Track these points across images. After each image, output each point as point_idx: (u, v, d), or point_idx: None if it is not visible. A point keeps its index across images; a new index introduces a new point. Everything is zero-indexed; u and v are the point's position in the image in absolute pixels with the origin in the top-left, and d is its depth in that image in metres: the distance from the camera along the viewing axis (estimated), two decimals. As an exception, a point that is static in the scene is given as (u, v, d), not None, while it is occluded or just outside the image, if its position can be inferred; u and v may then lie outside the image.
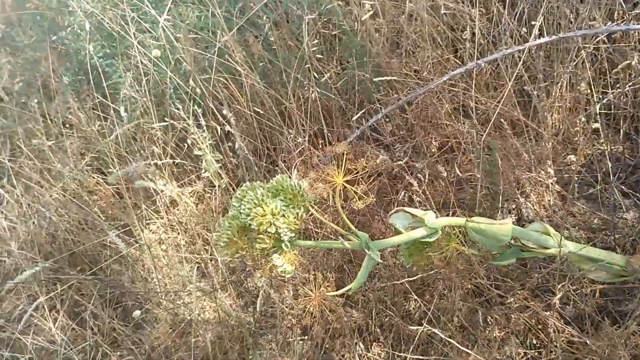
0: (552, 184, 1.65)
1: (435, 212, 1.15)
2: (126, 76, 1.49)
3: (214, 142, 1.55)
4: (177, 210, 1.56)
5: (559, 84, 1.74)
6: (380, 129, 1.71)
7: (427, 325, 1.18)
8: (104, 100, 1.56)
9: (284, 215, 0.95)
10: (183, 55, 1.50)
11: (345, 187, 0.96)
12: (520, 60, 1.54)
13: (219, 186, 1.51)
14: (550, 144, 1.62)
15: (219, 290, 1.36)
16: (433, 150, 1.70)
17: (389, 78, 1.49)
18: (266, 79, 1.63)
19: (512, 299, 1.21)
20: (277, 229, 0.94)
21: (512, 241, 1.12)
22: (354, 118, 1.34)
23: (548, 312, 1.09)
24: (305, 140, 1.37)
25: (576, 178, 1.67)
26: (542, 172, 1.67)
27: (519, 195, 1.66)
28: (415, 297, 1.16)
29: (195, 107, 1.41)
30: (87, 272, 1.53)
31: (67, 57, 1.86)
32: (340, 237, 1.02)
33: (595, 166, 1.72)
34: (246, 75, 1.55)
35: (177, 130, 1.55)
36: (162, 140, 1.53)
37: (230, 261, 0.91)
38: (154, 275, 1.47)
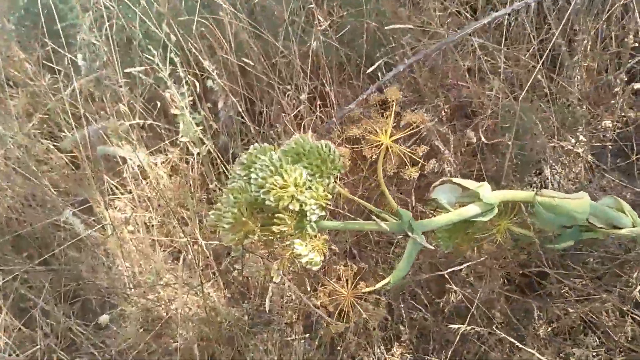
0: (583, 153, 1.44)
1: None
2: (84, 17, 1.20)
3: (192, 102, 1.28)
4: (148, 183, 1.29)
5: (587, 40, 1.53)
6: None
7: (469, 325, 0.96)
8: (56, 48, 1.27)
9: (310, 188, 0.70)
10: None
11: (390, 149, 0.72)
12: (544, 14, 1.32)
13: (198, 154, 1.25)
14: (585, 106, 1.41)
15: (203, 280, 1.11)
16: (446, 114, 1.48)
17: (403, 26, 1.25)
18: (254, 27, 1.37)
19: (567, 289, 1.00)
20: (301, 205, 0.68)
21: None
22: (368, 71, 1.10)
23: (625, 306, 0.87)
24: (305, 99, 1.12)
25: (610, 147, 1.47)
26: (572, 139, 1.46)
27: (546, 166, 1.46)
28: (455, 289, 0.93)
29: (171, 56, 1.14)
30: (36, 259, 1.25)
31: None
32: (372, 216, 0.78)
33: (632, 134, 1.52)
34: (231, 19, 1.29)
35: (147, 86, 1.28)
36: (128, 97, 1.26)
37: (229, 247, 0.65)
38: (120, 263, 1.21)
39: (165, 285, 1.18)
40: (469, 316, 1.01)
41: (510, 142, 1.25)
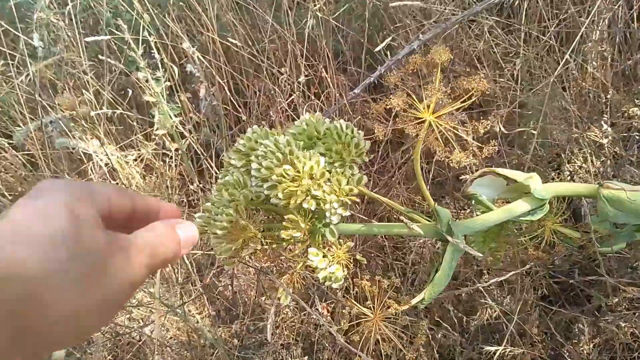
0: (608, 143, 1.30)
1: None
2: (40, -9, 1.02)
3: (169, 91, 1.11)
4: (118, 183, 1.12)
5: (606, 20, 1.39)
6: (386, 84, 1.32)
7: (502, 344, 0.81)
8: (9, 28, 1.09)
9: (329, 180, 0.53)
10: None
11: (435, 129, 0.55)
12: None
13: (177, 150, 1.07)
14: (610, 93, 1.27)
15: (183, 297, 0.94)
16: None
17: (411, 2, 1.09)
18: (240, 6, 1.21)
19: (619, 298, 0.85)
20: (319, 203, 0.51)
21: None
22: (377, 49, 0.95)
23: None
24: (304, 82, 0.96)
25: (637, 137, 1.34)
26: (595, 130, 1.32)
27: (564, 160, 1.32)
28: (491, 304, 0.78)
29: (145, 35, 0.97)
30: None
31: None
32: (400, 217, 0.63)
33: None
34: (213, -4, 1.12)
35: (116, 72, 1.10)
36: (94, 85, 1.08)
37: (224, 256, 0.47)
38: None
39: (137, 304, 1.00)
40: (505, 335, 0.86)
41: (535, 132, 1.11)
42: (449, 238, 0.63)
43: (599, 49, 1.38)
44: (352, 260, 0.57)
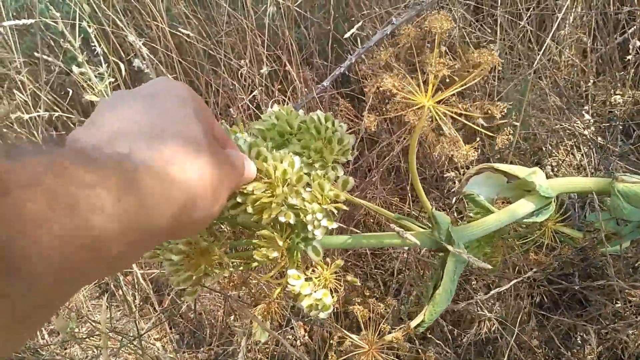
0: (590, 135, 1.24)
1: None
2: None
3: (114, 89, 1.00)
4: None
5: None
6: (354, 77, 1.23)
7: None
8: None
9: (308, 184, 0.42)
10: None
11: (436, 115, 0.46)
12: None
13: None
14: (591, 80, 1.21)
15: (140, 323, 0.84)
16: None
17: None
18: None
19: (622, 302, 0.79)
20: (298, 214, 0.40)
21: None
22: (346, 35, 0.85)
23: None
24: (267, 73, 0.86)
25: (621, 126, 1.29)
26: (577, 121, 1.26)
27: (545, 154, 1.25)
28: (489, 315, 0.70)
29: (83, 25, 0.86)
30: None
31: None
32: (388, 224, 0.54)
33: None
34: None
35: (54, 70, 0.98)
36: (30, 86, 0.96)
37: (182, 287, 0.36)
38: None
39: (88, 335, 0.88)
40: (503, 348, 0.78)
41: (517, 124, 1.03)
42: (450, 248, 0.54)
43: (575, 35, 1.32)
44: (341, 282, 0.48)
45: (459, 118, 0.46)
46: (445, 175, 0.96)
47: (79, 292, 0.98)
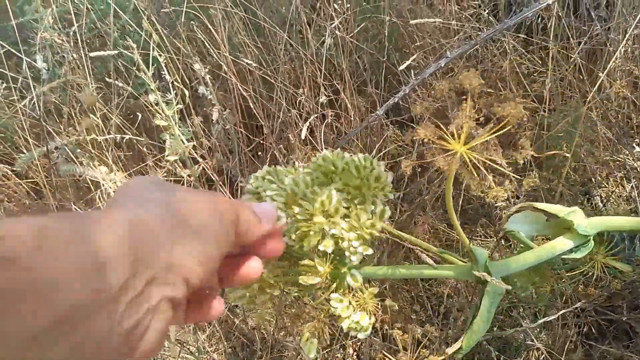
0: None
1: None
2: (46, 12, 0.98)
3: (180, 115, 1.05)
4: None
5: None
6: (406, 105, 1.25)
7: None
8: (11, 49, 1.04)
9: (347, 216, 0.45)
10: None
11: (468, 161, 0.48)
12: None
13: (189, 176, 1.01)
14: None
15: (198, 333, 0.87)
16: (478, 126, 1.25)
17: (433, 20, 1.03)
18: (254, 25, 1.15)
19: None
20: (336, 242, 0.43)
21: None
22: (401, 67, 0.88)
23: None
24: (325, 102, 0.89)
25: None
26: (628, 153, 1.24)
27: (594, 186, 1.24)
28: (538, 345, 0.70)
29: (154, 54, 0.92)
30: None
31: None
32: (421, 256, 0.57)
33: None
34: (225, 15, 1.07)
35: (124, 95, 1.05)
36: (101, 109, 1.03)
37: (239, 303, 0.40)
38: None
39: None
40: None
41: (568, 154, 1.03)
42: (488, 278, 0.55)
43: (627, 67, 1.30)
44: (380, 306, 0.50)
45: (488, 162, 0.48)
46: (495, 204, 0.97)
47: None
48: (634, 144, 1.25)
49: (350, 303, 0.48)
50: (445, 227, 1.10)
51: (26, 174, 1.13)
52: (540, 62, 1.27)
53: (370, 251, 0.47)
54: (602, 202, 1.28)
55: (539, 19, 1.34)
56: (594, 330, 0.83)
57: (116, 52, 0.96)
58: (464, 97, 0.59)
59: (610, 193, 1.19)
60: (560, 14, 1.27)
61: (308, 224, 0.45)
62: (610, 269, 0.70)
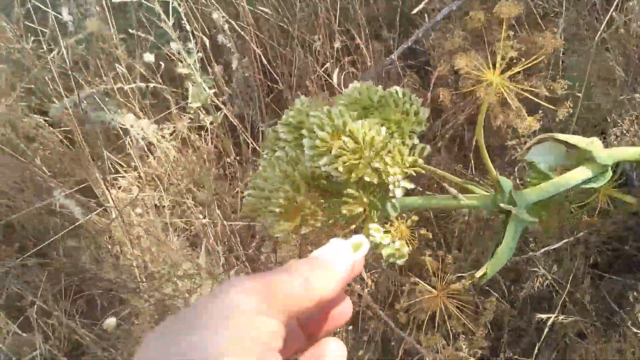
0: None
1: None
2: (68, -36, 0.98)
3: (201, 63, 1.07)
4: (155, 158, 1.09)
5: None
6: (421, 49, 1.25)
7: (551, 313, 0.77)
8: (38, 4, 1.05)
9: (390, 152, 0.48)
10: None
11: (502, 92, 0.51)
12: None
13: (212, 123, 1.04)
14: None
15: (226, 268, 0.92)
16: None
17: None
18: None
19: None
20: (381, 175, 0.47)
21: None
22: (414, 11, 0.89)
23: None
24: (340, 47, 0.91)
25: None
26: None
27: (612, 122, 1.25)
28: (542, 271, 0.74)
29: (174, 5, 0.93)
30: (31, 250, 1.05)
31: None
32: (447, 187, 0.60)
33: None
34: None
35: (146, 44, 1.06)
36: (126, 60, 1.05)
37: (255, 229, 0.44)
38: (128, 251, 1.01)
39: (182, 276, 0.99)
40: (556, 303, 0.82)
41: (579, 94, 1.05)
42: (512, 209, 0.59)
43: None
44: (415, 235, 0.54)
45: (524, 93, 0.50)
46: (507, 144, 0.99)
47: (171, 241, 1.08)
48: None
49: (387, 232, 0.51)
50: (460, 167, 1.13)
51: (58, 123, 1.16)
52: (556, 3, 1.27)
53: (412, 185, 0.50)
54: (616, 139, 1.30)
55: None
56: (599, 261, 0.87)
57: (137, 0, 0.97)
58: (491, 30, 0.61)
59: (625, 131, 1.22)
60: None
61: (357, 155, 0.48)
62: (617, 201, 0.73)
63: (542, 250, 0.75)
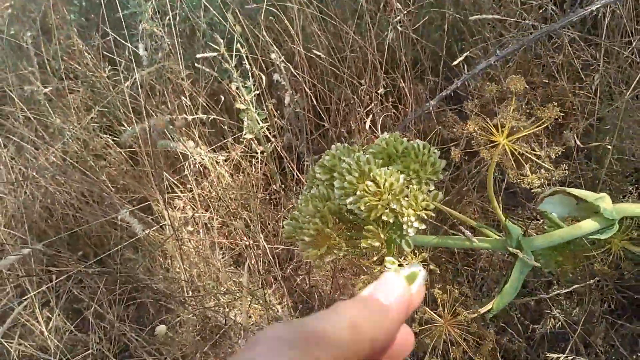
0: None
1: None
2: (146, 5, 1.12)
3: (257, 97, 1.18)
4: (209, 181, 1.20)
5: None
6: (463, 93, 1.33)
7: (567, 353, 0.82)
8: (117, 38, 1.19)
9: (407, 196, 0.58)
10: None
11: (510, 152, 0.59)
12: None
13: (262, 152, 1.15)
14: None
15: (265, 287, 1.01)
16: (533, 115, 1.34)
17: (489, 17, 1.11)
18: (324, 17, 1.26)
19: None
20: (397, 216, 0.56)
21: None
22: (454, 63, 0.97)
23: None
24: (383, 93, 1.00)
25: None
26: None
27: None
28: (554, 314, 0.80)
29: (237, 46, 1.04)
30: (92, 258, 1.18)
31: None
32: (463, 230, 0.67)
33: None
34: (300, 8, 1.18)
35: (210, 79, 1.19)
36: (190, 91, 1.17)
37: (293, 252, 0.54)
38: (178, 265, 1.12)
39: (224, 291, 1.09)
40: (570, 344, 0.87)
41: (610, 147, 1.10)
42: (519, 253, 0.66)
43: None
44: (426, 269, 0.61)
45: (526, 153, 0.58)
46: (532, 190, 1.05)
47: (216, 259, 1.19)
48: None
49: (401, 264, 0.60)
50: (492, 208, 1.19)
51: (125, 144, 1.29)
52: (599, 57, 1.33)
53: (423, 226, 0.59)
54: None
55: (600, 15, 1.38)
56: (613, 307, 0.92)
57: (214, 54, 1.08)
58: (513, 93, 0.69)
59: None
60: (621, 11, 1.32)
61: (377, 198, 0.57)
62: (628, 252, 0.78)
63: (556, 292, 0.81)
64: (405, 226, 0.57)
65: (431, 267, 0.62)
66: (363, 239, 0.58)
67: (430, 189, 0.60)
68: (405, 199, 0.58)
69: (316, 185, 0.66)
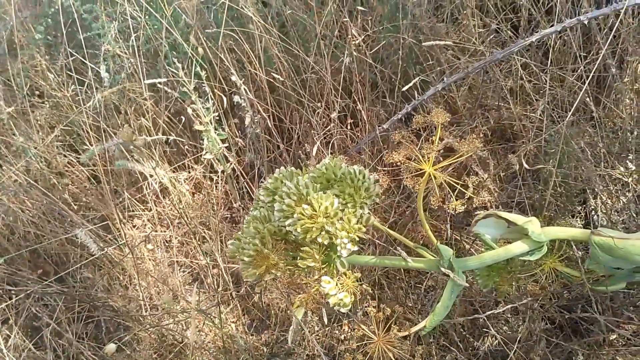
0: (632, 182, 1.34)
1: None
2: (109, 27, 1.16)
3: (218, 118, 1.22)
4: (169, 200, 1.24)
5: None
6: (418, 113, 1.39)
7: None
8: (80, 58, 1.22)
9: (341, 219, 0.63)
10: (183, 4, 1.17)
11: (434, 178, 0.65)
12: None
13: (222, 172, 1.18)
14: (635, 132, 1.31)
15: (221, 306, 1.04)
16: (484, 137, 1.40)
17: (442, 43, 1.17)
18: (285, 42, 1.31)
19: (617, 335, 0.91)
20: (331, 238, 0.62)
21: None
22: (404, 88, 1.03)
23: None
24: (336, 117, 1.05)
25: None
26: (621, 167, 1.36)
27: (591, 196, 1.36)
28: (492, 332, 0.85)
29: (197, 69, 1.08)
30: (52, 276, 1.20)
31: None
32: (399, 251, 0.72)
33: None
34: (261, 33, 1.23)
35: (171, 99, 1.22)
36: (152, 111, 1.20)
37: (250, 280, 0.58)
38: (137, 284, 1.14)
39: (181, 310, 1.11)
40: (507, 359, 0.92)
41: (554, 169, 1.16)
42: (450, 273, 0.70)
43: (632, 87, 1.41)
44: (359, 288, 0.66)
45: (450, 179, 0.63)
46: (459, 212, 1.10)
47: (175, 277, 1.21)
48: (627, 161, 1.37)
49: (336, 284, 0.64)
50: (443, 226, 1.24)
51: (87, 162, 1.31)
52: (546, 81, 1.39)
53: (355, 248, 0.63)
54: (594, 211, 1.40)
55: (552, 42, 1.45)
56: (549, 327, 0.97)
57: (166, 79, 1.12)
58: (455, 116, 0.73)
59: (602, 203, 1.32)
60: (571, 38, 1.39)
61: (312, 221, 0.61)
62: (560, 273, 0.84)
63: (497, 311, 0.86)
64: (339, 247, 0.62)
65: (364, 286, 0.66)
66: (300, 260, 0.62)
67: (364, 213, 0.65)
68: (340, 221, 0.62)
69: (260, 207, 0.70)
